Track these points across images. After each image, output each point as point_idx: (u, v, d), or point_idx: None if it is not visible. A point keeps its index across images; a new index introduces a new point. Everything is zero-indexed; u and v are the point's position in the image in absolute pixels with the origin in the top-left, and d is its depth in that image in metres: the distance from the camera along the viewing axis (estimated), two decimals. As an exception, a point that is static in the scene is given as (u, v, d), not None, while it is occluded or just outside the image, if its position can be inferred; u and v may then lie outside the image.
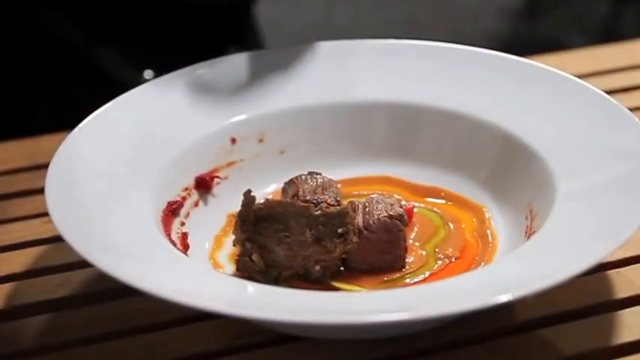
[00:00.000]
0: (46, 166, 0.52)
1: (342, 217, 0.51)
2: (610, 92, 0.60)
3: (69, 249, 0.46)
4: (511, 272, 0.47)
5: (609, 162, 0.53)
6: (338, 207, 0.52)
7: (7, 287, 0.53)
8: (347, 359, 0.48)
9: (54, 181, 0.51)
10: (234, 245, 0.52)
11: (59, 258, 0.54)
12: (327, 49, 0.62)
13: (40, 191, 0.50)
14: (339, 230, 0.51)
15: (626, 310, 0.50)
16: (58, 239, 0.48)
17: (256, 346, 0.48)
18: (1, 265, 0.54)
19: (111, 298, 0.51)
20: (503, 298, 0.44)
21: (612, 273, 0.53)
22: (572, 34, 0.80)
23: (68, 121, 0.55)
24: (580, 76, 0.59)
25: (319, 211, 0.51)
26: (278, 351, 0.48)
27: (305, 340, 0.48)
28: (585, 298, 0.51)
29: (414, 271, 0.52)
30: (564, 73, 0.59)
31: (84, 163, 0.53)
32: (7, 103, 0.52)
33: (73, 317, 0.51)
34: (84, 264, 0.46)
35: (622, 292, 0.52)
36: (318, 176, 0.55)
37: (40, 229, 0.56)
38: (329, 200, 0.53)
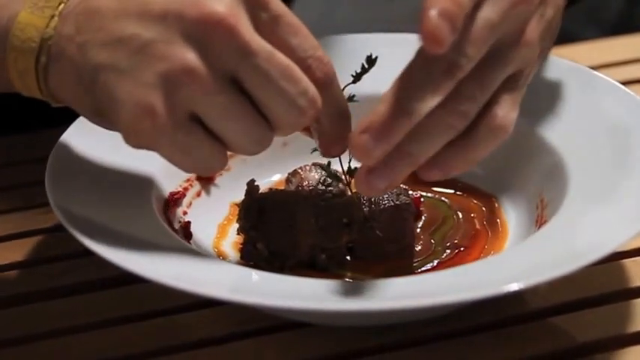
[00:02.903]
0: (46, 159, 0.53)
1: (347, 207, 0.52)
2: (624, 84, 0.61)
3: (70, 238, 0.48)
4: (522, 261, 0.48)
5: (622, 152, 0.54)
6: (343, 197, 0.53)
7: (7, 275, 0.55)
8: (352, 347, 0.49)
9: (55, 170, 0.52)
10: (238, 234, 0.53)
11: (60, 247, 0.56)
12: (332, 42, 0.63)
13: (41, 182, 0.52)
14: (344, 220, 0.52)
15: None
16: (58, 229, 0.50)
17: (261, 333, 0.50)
18: (2, 253, 0.56)
19: (113, 286, 0.53)
20: (513, 287, 0.44)
21: (627, 262, 0.54)
22: (586, 26, 0.81)
23: (68, 116, 0.56)
24: (593, 68, 0.61)
25: (324, 202, 0.52)
26: (283, 337, 0.49)
27: (310, 326, 0.50)
28: (599, 287, 0.52)
29: (421, 260, 0.53)
30: (578, 64, 0.60)
31: (85, 153, 0.54)
32: (8, 102, 0.54)
33: (76, 305, 0.52)
34: (85, 252, 0.47)
35: (637, 280, 0.53)
36: (322, 169, 0.56)
37: (40, 218, 0.58)
38: (334, 190, 0.54)
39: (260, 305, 0.48)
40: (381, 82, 0.60)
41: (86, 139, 0.55)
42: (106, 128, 0.48)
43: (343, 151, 0.50)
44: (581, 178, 0.53)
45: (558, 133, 0.57)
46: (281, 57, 0.45)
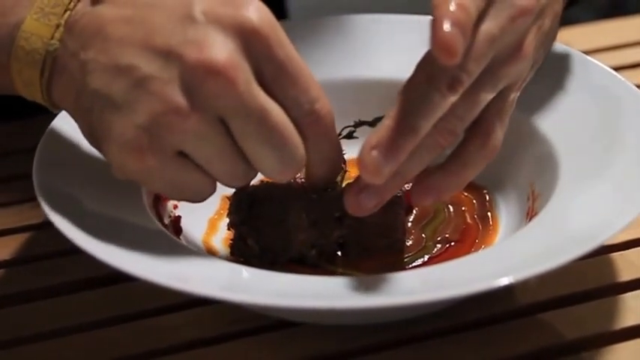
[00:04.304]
0: (32, 150, 0.53)
1: (338, 200, 0.52)
2: (617, 68, 0.61)
3: (59, 235, 0.47)
4: (512, 255, 0.49)
5: (614, 141, 0.54)
6: (335, 190, 0.53)
7: (-4, 274, 0.55)
8: (344, 346, 0.49)
9: (42, 164, 0.52)
10: (228, 229, 0.53)
11: (50, 244, 0.56)
12: (330, 23, 0.63)
13: (29, 175, 0.51)
14: (336, 214, 0.52)
15: (630, 293, 0.52)
16: (48, 225, 0.49)
17: (250, 333, 0.50)
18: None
19: (102, 285, 0.53)
20: (504, 281, 0.45)
21: (616, 256, 0.54)
22: (580, 9, 0.81)
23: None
24: (587, 52, 0.60)
25: (315, 195, 0.52)
26: (275, 337, 0.50)
27: (300, 326, 0.50)
28: (588, 282, 0.52)
29: (412, 255, 0.53)
30: (569, 48, 0.60)
31: (73, 146, 0.54)
32: None
33: (65, 304, 0.52)
34: (75, 250, 0.47)
35: (625, 275, 0.53)
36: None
37: (29, 214, 0.58)
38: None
39: (251, 304, 0.48)
40: (383, 64, 0.61)
41: (75, 129, 0.55)
42: (99, 152, 0.48)
43: (329, 185, 0.51)
44: (572, 168, 0.53)
45: (549, 121, 0.56)
46: (273, 117, 0.45)
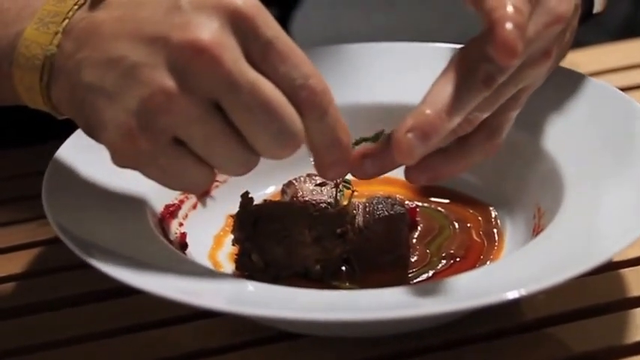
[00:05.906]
0: (43, 173, 0.54)
1: (340, 217, 0.53)
2: (626, 89, 0.61)
3: (67, 250, 0.48)
4: (520, 268, 0.49)
5: (619, 159, 0.54)
6: (336, 207, 0.53)
7: (6, 287, 0.56)
8: (348, 358, 0.49)
9: (51, 183, 0.53)
10: (233, 245, 0.54)
11: (58, 259, 0.57)
12: (332, 51, 0.64)
13: (38, 196, 0.52)
14: (338, 231, 0.52)
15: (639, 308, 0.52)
16: (56, 241, 0.50)
17: (255, 344, 0.50)
18: (3, 265, 0.57)
19: (109, 298, 0.54)
20: (513, 295, 0.45)
21: (626, 271, 0.54)
22: (592, 33, 0.81)
23: (64, 129, 0.57)
24: (596, 73, 0.61)
25: (317, 212, 0.52)
26: (277, 349, 0.50)
27: (305, 338, 0.50)
28: (599, 296, 0.53)
29: (417, 270, 0.54)
30: (574, 69, 0.60)
31: (82, 166, 0.55)
32: (15, 115, 0.55)
33: (73, 316, 0.53)
34: (82, 265, 0.48)
35: (636, 290, 0.53)
36: (317, 177, 0.56)
37: (38, 231, 0.59)
38: (328, 200, 0.54)
39: (256, 316, 0.48)
40: (378, 90, 0.62)
41: (84, 151, 0.56)
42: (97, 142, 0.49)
43: (341, 176, 0.50)
44: (578, 187, 0.53)
45: (555, 141, 0.57)
46: (265, 90, 0.45)
